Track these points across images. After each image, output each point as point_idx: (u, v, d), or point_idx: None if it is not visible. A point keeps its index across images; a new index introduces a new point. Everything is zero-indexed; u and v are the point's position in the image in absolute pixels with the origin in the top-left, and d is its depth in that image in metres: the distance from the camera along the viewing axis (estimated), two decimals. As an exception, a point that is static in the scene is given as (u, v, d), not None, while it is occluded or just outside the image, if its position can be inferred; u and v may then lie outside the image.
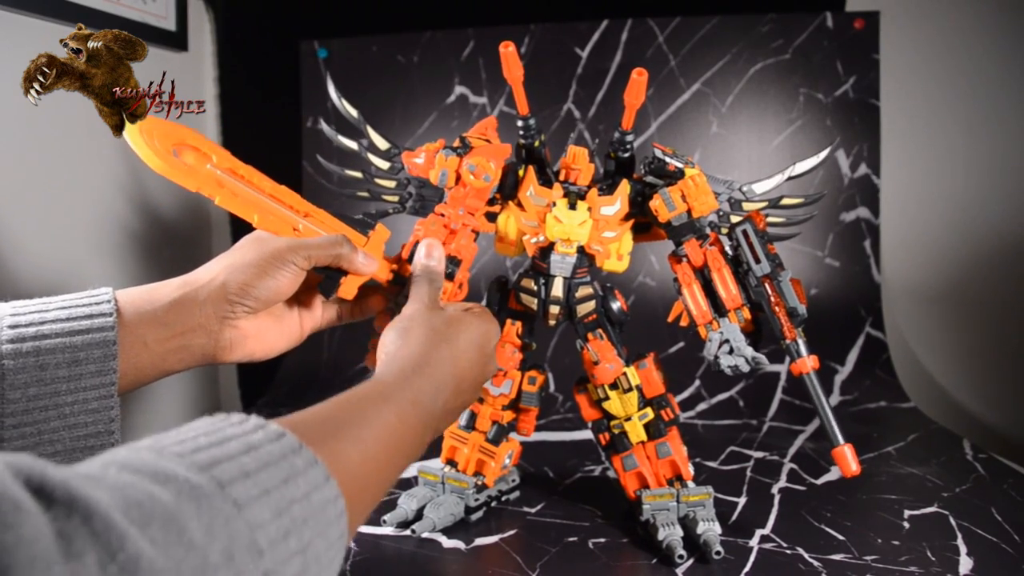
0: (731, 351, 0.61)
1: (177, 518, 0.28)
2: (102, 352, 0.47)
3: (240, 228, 1.26)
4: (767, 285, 0.60)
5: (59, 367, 0.46)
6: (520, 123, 0.64)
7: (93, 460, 0.30)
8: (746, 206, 0.64)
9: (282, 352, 0.58)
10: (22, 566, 0.22)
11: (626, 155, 0.65)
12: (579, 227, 0.63)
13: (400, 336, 0.50)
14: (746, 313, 0.62)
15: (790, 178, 0.64)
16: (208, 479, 0.30)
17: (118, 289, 0.50)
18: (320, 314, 0.60)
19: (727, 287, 0.61)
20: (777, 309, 0.60)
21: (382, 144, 0.68)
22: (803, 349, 0.60)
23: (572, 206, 0.63)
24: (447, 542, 0.66)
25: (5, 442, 0.45)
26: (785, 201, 0.64)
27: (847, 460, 0.59)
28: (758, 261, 0.61)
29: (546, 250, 0.65)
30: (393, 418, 0.42)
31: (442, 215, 0.65)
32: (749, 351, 0.61)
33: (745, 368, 0.61)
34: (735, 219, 0.64)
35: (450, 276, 0.62)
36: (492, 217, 0.68)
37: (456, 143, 0.65)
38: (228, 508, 0.29)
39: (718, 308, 0.62)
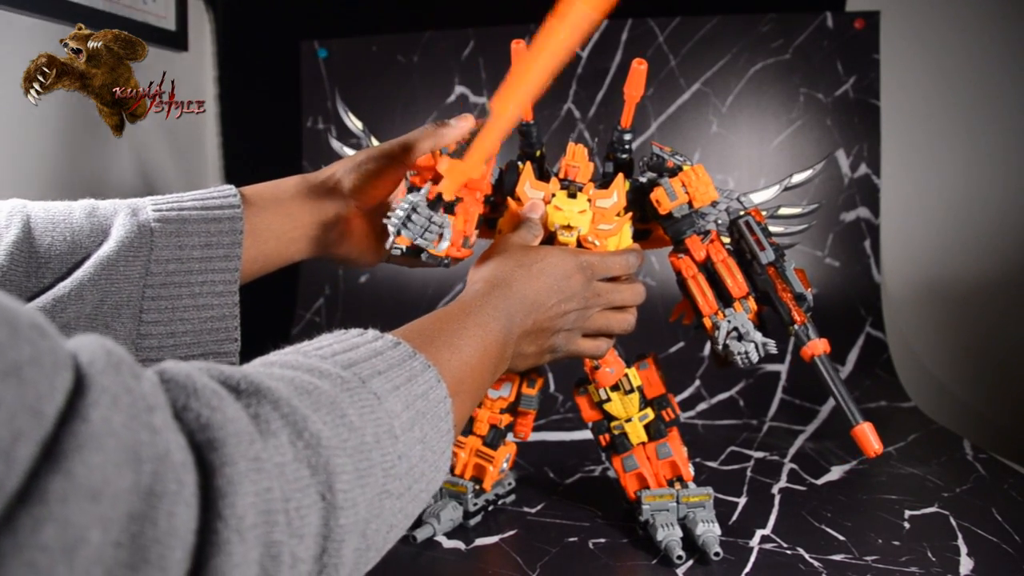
0: (740, 338, 0.60)
1: (338, 405, 0.32)
2: (231, 239, 0.52)
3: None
4: (772, 273, 0.60)
5: (194, 248, 0.51)
6: (523, 127, 0.64)
7: (251, 363, 0.34)
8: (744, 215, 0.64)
9: (368, 264, 0.65)
10: (232, 439, 0.26)
11: (625, 156, 0.65)
12: (579, 215, 0.62)
13: (481, 261, 0.57)
14: (752, 304, 0.61)
15: (787, 188, 0.64)
16: (352, 375, 0.35)
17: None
18: None
19: (733, 276, 0.61)
20: (784, 295, 0.59)
21: None
22: (812, 332, 0.58)
23: (572, 196, 0.62)
24: (447, 543, 0.66)
25: (144, 312, 0.50)
26: (783, 211, 0.64)
27: (868, 438, 0.56)
28: (762, 248, 0.60)
29: (545, 243, 0.65)
30: (477, 328, 0.48)
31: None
32: (759, 336, 0.59)
33: (755, 356, 0.59)
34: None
35: (450, 209, 0.59)
36: (493, 224, 0.67)
37: None
38: (371, 399, 0.34)
39: (724, 299, 0.62)
